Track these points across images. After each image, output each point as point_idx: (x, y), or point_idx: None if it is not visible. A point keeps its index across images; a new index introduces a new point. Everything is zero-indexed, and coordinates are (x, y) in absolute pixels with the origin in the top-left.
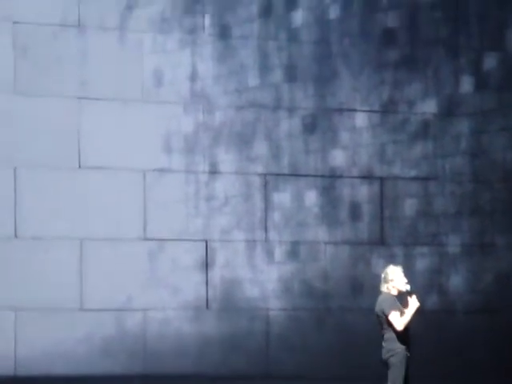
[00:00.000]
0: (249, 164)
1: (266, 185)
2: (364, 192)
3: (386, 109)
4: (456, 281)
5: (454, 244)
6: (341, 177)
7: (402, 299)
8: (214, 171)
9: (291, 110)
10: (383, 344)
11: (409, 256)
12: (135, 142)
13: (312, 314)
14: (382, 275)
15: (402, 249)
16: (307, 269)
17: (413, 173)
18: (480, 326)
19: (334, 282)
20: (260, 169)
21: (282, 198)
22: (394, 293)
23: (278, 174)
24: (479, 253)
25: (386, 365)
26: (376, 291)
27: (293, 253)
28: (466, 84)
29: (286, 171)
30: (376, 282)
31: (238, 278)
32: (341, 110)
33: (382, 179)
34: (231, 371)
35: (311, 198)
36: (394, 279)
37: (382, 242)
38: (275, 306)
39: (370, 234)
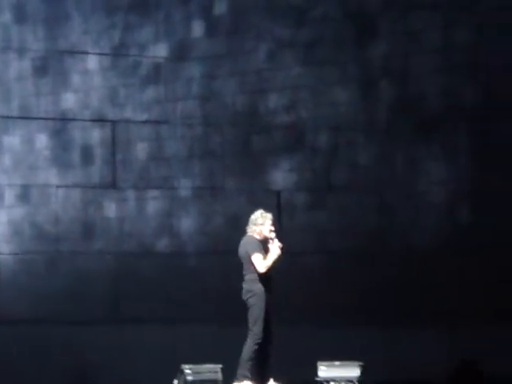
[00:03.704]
0: None
1: None
2: (96, 135)
3: (118, 52)
4: (187, 223)
5: (185, 187)
6: (72, 120)
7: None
8: None
9: (21, 52)
10: (243, 285)
11: (140, 199)
12: None
13: (43, 257)
14: (252, 217)
15: (133, 192)
16: (38, 212)
17: (144, 116)
18: (210, 268)
19: (65, 225)
20: None
21: (12, 140)
22: (259, 237)
23: (7, 117)
24: (209, 196)
25: (245, 305)
26: (108, 234)
27: (23, 196)
28: (197, 28)
29: (15, 114)
30: (108, 225)
31: None
32: (72, 53)
33: (113, 122)
34: None
35: (42, 140)
36: (263, 224)
37: (114, 185)
38: (5, 250)
39: (102, 178)
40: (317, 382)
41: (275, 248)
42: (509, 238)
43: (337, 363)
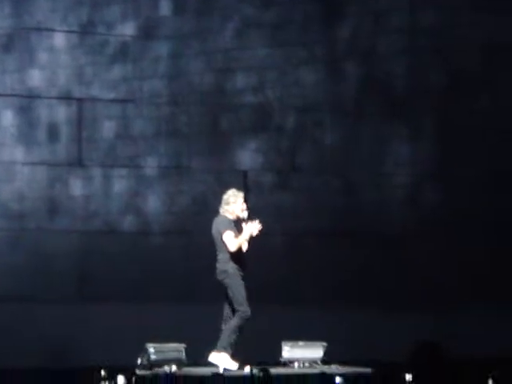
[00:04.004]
0: None
1: None
2: (62, 113)
3: (85, 30)
4: (153, 203)
5: (151, 166)
6: (38, 97)
7: (237, 226)
8: None
9: None
10: (217, 265)
11: (107, 177)
12: None
13: (7, 234)
14: (224, 197)
15: (99, 170)
16: (3, 189)
17: (111, 95)
18: (175, 247)
19: (30, 203)
20: None
21: None
22: (232, 217)
23: None
24: (176, 175)
25: (222, 285)
26: (74, 212)
27: None
28: (165, 7)
29: None
30: (73, 203)
31: None
32: (39, 30)
33: (80, 100)
34: None
35: (8, 117)
36: (236, 203)
37: (80, 163)
38: None
39: (68, 156)
40: (280, 362)
41: (248, 227)
42: (475, 219)
43: (300, 343)
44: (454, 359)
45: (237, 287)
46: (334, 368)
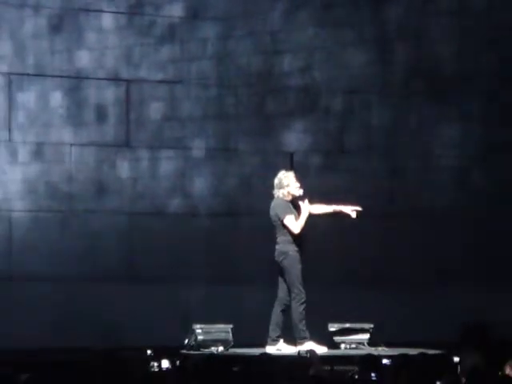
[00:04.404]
0: None
1: (9, 84)
2: (110, 94)
3: (133, 10)
4: (200, 184)
5: (198, 148)
6: (87, 78)
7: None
8: None
9: (36, 9)
10: (276, 247)
11: (154, 159)
12: None
13: (56, 215)
14: (276, 181)
15: (147, 152)
16: (52, 170)
17: (159, 76)
18: (221, 229)
19: (78, 184)
20: (4, 68)
21: (27, 98)
22: (288, 198)
23: (22, 74)
24: (223, 157)
25: (279, 266)
26: (121, 194)
27: (37, 154)
28: None
29: (30, 71)
30: (121, 184)
31: None
32: (87, 11)
33: (128, 81)
34: None
35: (57, 98)
36: (289, 184)
37: (128, 144)
38: (18, 207)
39: (116, 137)
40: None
41: (306, 206)
42: None
43: (347, 325)
44: (502, 340)
45: (294, 270)
46: (380, 350)
